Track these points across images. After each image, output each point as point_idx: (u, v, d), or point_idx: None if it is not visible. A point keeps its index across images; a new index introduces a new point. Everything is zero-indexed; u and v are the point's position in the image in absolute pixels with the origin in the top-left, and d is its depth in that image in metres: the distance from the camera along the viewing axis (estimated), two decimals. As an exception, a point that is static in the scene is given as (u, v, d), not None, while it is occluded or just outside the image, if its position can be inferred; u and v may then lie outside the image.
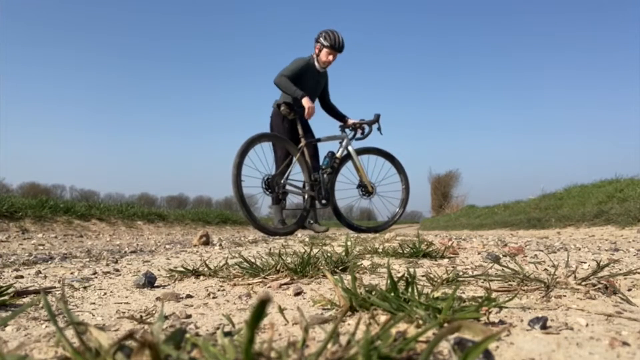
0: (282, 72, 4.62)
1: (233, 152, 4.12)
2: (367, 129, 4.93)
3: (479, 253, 1.90)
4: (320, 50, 4.75)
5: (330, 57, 4.74)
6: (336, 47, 4.68)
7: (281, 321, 0.73)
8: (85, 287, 1.13)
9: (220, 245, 3.08)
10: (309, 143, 4.73)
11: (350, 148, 4.91)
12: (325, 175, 4.75)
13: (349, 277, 0.92)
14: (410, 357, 0.50)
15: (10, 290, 0.92)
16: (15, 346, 0.54)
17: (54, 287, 1.12)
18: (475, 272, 1.23)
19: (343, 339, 0.50)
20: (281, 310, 0.75)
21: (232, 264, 1.34)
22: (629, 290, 0.93)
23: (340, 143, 4.94)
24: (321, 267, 1.25)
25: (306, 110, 4.55)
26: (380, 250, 1.89)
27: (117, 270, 1.50)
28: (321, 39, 4.72)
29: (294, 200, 5.04)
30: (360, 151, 5.02)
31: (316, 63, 4.80)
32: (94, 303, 0.94)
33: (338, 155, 4.87)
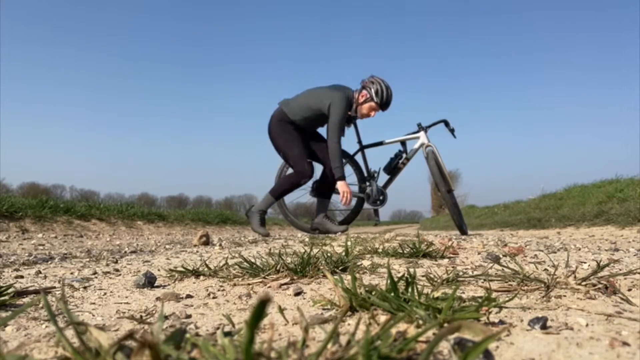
0: (338, 131, 3.97)
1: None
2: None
3: (479, 253, 1.90)
4: (365, 101, 4.07)
5: (372, 114, 4.11)
6: (383, 107, 4.11)
7: (281, 321, 0.73)
8: (85, 287, 1.13)
9: (220, 245, 3.08)
10: (364, 147, 4.75)
11: (432, 146, 4.58)
12: (378, 178, 4.69)
13: (349, 277, 0.92)
14: (410, 357, 0.50)
15: (10, 290, 0.92)
16: (15, 346, 0.54)
17: (54, 287, 1.12)
18: (475, 272, 1.23)
19: (343, 339, 0.50)
20: (281, 310, 0.74)
21: (232, 264, 1.34)
22: (629, 290, 0.93)
23: (416, 142, 4.71)
24: (321, 267, 1.25)
25: (341, 195, 4.06)
26: (380, 250, 1.89)
27: (117, 270, 1.50)
28: (372, 91, 4.03)
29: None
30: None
31: (354, 108, 4.13)
32: (94, 303, 0.94)
33: (408, 155, 4.68)
